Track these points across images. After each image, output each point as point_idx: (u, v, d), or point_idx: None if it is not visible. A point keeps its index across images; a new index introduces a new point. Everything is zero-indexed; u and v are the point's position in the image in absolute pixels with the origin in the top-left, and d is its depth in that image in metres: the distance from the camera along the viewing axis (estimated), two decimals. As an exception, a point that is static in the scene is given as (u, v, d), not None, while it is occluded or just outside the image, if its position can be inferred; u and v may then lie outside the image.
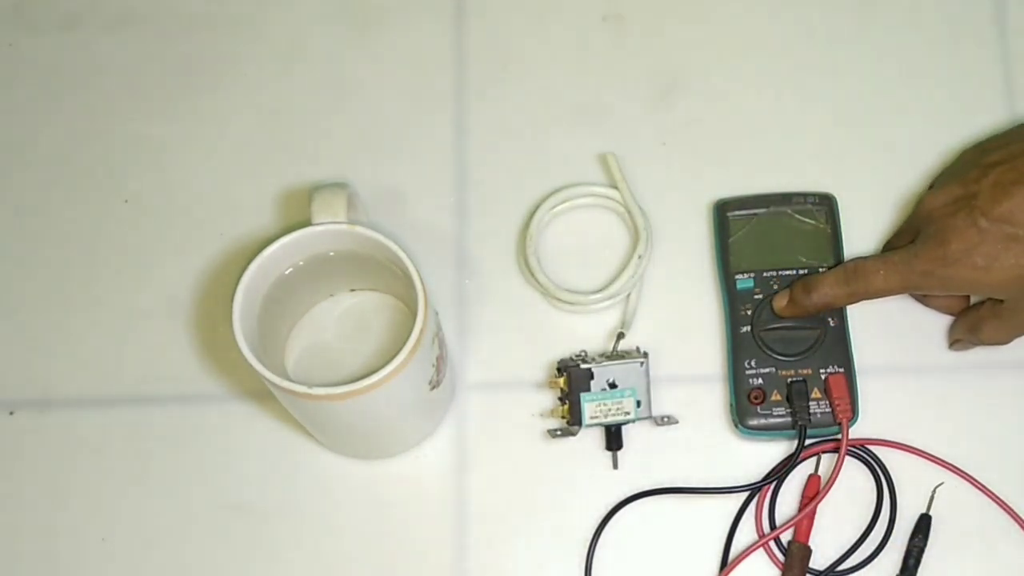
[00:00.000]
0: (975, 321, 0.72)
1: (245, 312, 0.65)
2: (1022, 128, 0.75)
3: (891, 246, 0.75)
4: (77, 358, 0.76)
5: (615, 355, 0.73)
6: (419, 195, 0.79)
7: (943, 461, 0.72)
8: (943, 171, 0.76)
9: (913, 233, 0.71)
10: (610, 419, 0.72)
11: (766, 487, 0.72)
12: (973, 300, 0.74)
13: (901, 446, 0.73)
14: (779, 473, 0.72)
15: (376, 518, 0.73)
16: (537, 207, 0.77)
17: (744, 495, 0.72)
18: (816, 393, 0.72)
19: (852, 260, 0.72)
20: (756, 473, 0.73)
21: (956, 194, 0.69)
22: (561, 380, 0.72)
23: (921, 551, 0.71)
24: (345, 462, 0.74)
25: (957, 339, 0.74)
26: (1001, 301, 0.70)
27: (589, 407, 0.72)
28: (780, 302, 0.73)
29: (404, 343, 0.64)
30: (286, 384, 0.63)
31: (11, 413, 0.76)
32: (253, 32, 0.83)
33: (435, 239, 0.78)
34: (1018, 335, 0.72)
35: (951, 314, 0.75)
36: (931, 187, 0.74)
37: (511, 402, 0.75)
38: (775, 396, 0.72)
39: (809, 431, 0.71)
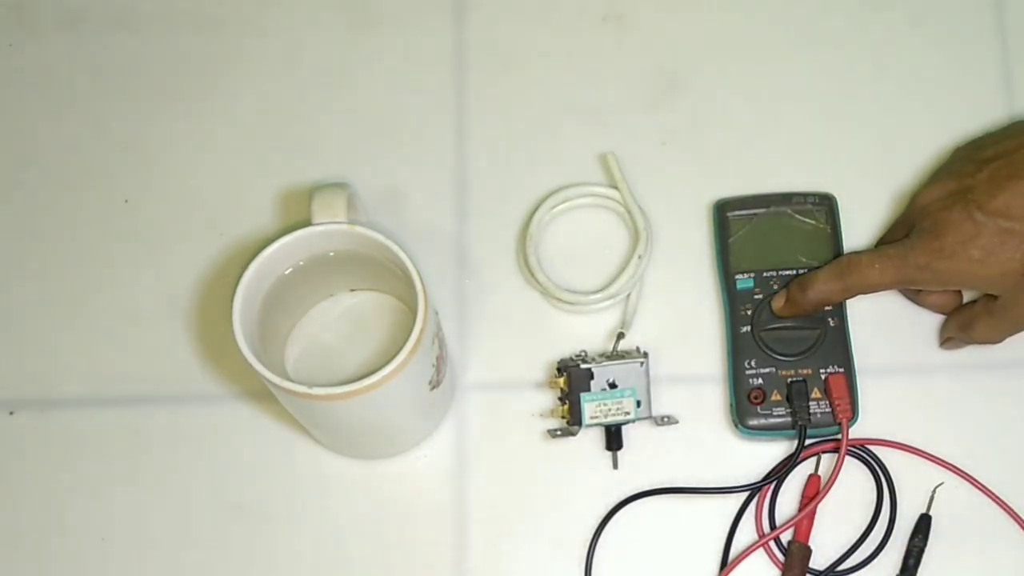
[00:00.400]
0: (968, 319, 0.72)
1: (245, 312, 0.65)
2: (1016, 124, 0.75)
3: (885, 241, 0.75)
4: (77, 358, 0.76)
5: (615, 355, 0.73)
6: (419, 195, 0.79)
7: (943, 461, 0.72)
8: (937, 168, 0.76)
9: (907, 228, 0.71)
10: (610, 419, 0.72)
11: (766, 487, 0.72)
12: (966, 299, 0.74)
13: (901, 446, 0.73)
14: (779, 473, 0.72)
15: (376, 518, 0.73)
16: (537, 207, 0.77)
17: (744, 495, 0.72)
18: (816, 393, 0.72)
19: (847, 255, 0.72)
20: (756, 473, 0.73)
21: (951, 188, 0.69)
22: (561, 380, 0.72)
23: (921, 551, 0.71)
24: (345, 462, 0.74)
25: (949, 337, 0.74)
26: (995, 298, 0.70)
27: (589, 407, 0.72)
28: (778, 302, 0.73)
29: (404, 343, 0.64)
30: (286, 384, 0.63)
31: (11, 413, 0.76)
32: (253, 32, 0.83)
33: (435, 239, 0.78)
34: (1010, 333, 0.72)
35: (943, 313, 0.75)
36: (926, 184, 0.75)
37: (511, 402, 0.75)
38: (775, 396, 0.72)
39: (809, 431, 0.71)
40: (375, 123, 0.81)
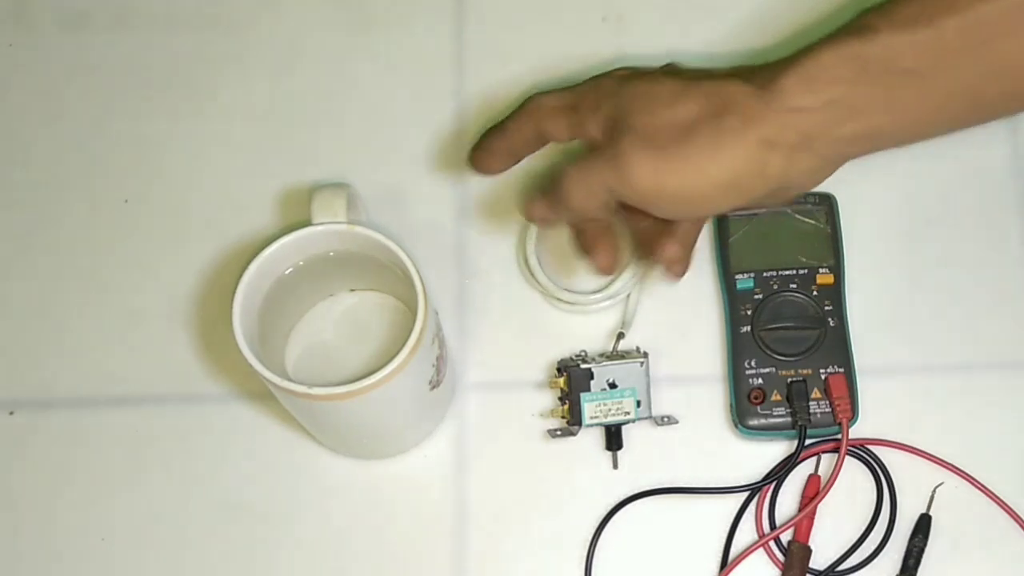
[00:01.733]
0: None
1: (245, 312, 0.65)
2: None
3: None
4: (77, 358, 0.76)
5: (615, 355, 0.73)
6: (419, 195, 0.79)
7: (943, 461, 0.72)
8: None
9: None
10: (610, 419, 0.72)
11: (766, 487, 0.72)
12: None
13: (901, 446, 0.73)
14: (779, 473, 0.72)
15: (376, 518, 0.73)
16: (537, 207, 0.77)
17: (744, 495, 0.72)
18: (816, 393, 0.72)
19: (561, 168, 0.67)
20: (756, 473, 0.73)
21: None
22: (561, 380, 0.72)
23: (921, 551, 0.71)
24: (345, 462, 0.74)
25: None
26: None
27: (589, 407, 0.72)
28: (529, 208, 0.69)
29: (404, 343, 0.64)
30: (286, 384, 0.63)
31: (11, 413, 0.76)
32: (253, 32, 0.83)
33: (435, 239, 0.78)
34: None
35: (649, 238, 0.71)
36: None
37: (511, 402, 0.75)
38: (775, 396, 0.72)
39: (809, 431, 0.71)
40: (375, 123, 0.81)
